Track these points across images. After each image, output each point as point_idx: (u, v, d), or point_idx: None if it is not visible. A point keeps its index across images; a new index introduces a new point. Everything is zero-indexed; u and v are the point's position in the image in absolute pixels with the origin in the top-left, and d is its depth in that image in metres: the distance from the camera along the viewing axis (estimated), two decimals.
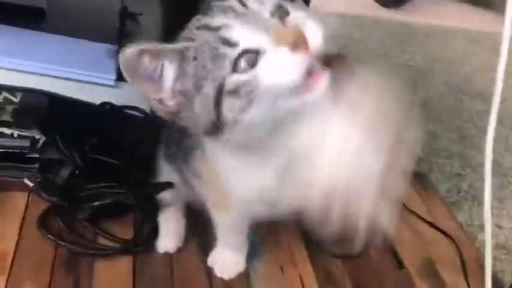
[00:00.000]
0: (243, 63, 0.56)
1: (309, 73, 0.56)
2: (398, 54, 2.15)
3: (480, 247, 1.01)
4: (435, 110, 1.73)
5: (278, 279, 0.85)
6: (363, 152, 0.61)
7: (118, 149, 0.96)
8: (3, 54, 1.01)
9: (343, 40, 2.12)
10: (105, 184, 0.89)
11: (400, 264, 0.91)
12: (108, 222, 0.87)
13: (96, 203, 0.85)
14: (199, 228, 0.87)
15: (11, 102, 0.97)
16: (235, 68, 0.56)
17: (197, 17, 0.61)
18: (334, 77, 0.59)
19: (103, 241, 0.84)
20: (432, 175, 1.38)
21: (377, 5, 2.63)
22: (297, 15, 0.58)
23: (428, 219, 1.02)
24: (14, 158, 0.92)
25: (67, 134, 0.94)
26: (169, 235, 0.85)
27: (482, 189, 1.14)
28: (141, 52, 0.58)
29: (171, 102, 0.60)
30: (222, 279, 0.82)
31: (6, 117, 0.94)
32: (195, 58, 0.58)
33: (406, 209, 1.03)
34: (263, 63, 0.56)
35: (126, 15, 1.19)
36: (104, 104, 1.02)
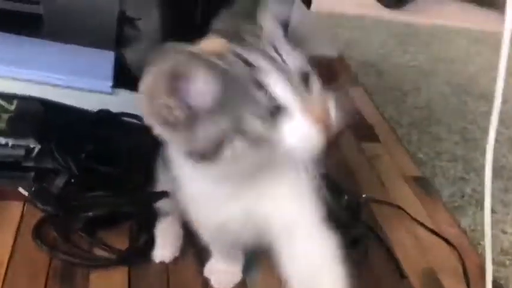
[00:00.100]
0: (265, 112, 0.56)
1: None
2: (400, 55, 2.13)
3: (483, 253, 0.99)
4: (438, 112, 1.71)
5: None
6: None
7: (115, 157, 0.95)
8: None
9: (344, 41, 2.11)
10: (101, 193, 0.88)
11: (401, 272, 0.90)
12: (104, 232, 0.86)
13: (90, 213, 0.83)
14: (196, 238, 0.85)
15: (7, 111, 0.96)
16: (257, 114, 0.56)
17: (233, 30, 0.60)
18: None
19: (99, 251, 0.83)
20: (436, 179, 1.36)
21: (379, 5, 2.61)
22: (315, 85, 0.58)
23: (430, 225, 1.01)
24: (9, 167, 0.91)
25: (63, 142, 0.93)
26: (165, 245, 0.83)
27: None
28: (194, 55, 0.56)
29: (178, 113, 0.57)
30: None
31: (2, 126, 0.93)
32: (225, 84, 0.56)
33: (407, 215, 1.01)
34: (286, 123, 0.56)
35: (124, 20, 1.18)
36: (100, 111, 1.01)
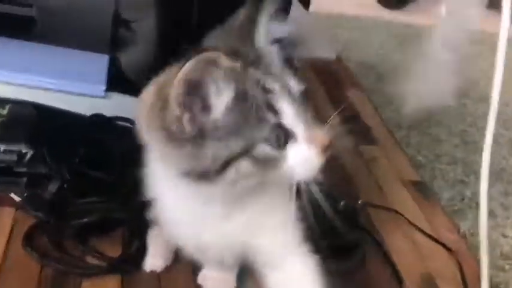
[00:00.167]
0: (274, 136, 0.57)
1: None
2: (399, 56, 2.12)
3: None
4: (438, 114, 1.70)
5: None
6: None
7: (108, 162, 0.94)
8: None
9: (344, 41, 2.10)
10: (94, 199, 0.87)
11: (399, 279, 0.88)
12: (97, 239, 0.85)
13: (82, 220, 0.82)
14: None
15: None
16: (267, 138, 0.57)
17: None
18: None
19: (91, 259, 0.81)
20: (435, 182, 1.35)
21: (379, 5, 2.60)
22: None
23: (428, 230, 0.99)
24: (1, 172, 0.89)
25: (56, 147, 0.91)
26: (157, 253, 0.82)
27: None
28: (217, 61, 0.55)
29: (188, 126, 0.56)
30: None
31: None
32: (240, 103, 0.56)
33: (405, 220, 1.00)
34: (292, 149, 0.58)
35: (119, 22, 1.17)
36: (94, 115, 1.00)
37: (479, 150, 1.46)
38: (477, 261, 0.95)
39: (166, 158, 0.61)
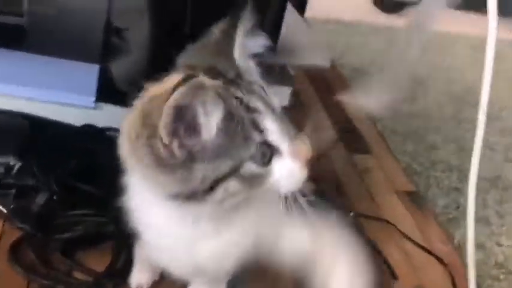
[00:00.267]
0: (259, 154, 0.58)
1: None
2: (397, 62, 2.11)
3: (478, 268, 0.97)
4: (434, 120, 1.70)
5: None
6: None
7: (98, 174, 0.93)
8: None
9: (340, 47, 2.09)
10: (82, 212, 0.86)
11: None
12: (84, 252, 0.84)
13: (69, 234, 0.81)
14: None
15: None
16: (254, 156, 0.57)
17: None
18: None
19: (77, 273, 0.81)
20: (430, 190, 1.34)
21: (376, 10, 2.59)
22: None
23: (421, 241, 0.99)
24: None
25: (45, 158, 0.91)
26: (144, 268, 0.81)
27: (481, 204, 1.10)
28: (203, 88, 0.54)
29: (178, 152, 0.55)
30: None
31: None
32: (226, 123, 0.56)
33: (398, 231, 0.99)
34: (277, 165, 0.59)
35: (110, 31, 1.16)
36: (84, 126, 0.99)
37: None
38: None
39: (154, 182, 0.60)
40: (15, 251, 0.82)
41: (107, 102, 1.03)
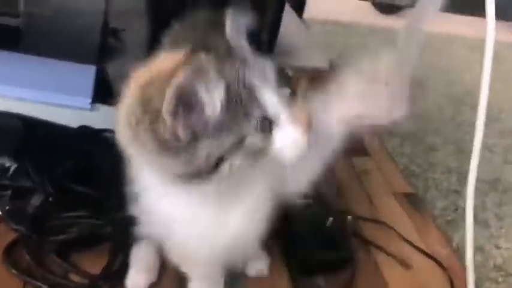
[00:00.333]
0: (260, 127, 0.58)
1: None
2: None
3: (475, 271, 0.96)
4: (433, 122, 1.69)
5: None
6: None
7: (95, 175, 0.92)
8: None
9: (339, 49, 2.09)
10: (78, 213, 0.86)
11: None
12: (80, 254, 0.83)
13: (64, 235, 0.81)
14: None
15: None
16: (255, 130, 0.58)
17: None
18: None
19: (73, 276, 0.80)
20: (428, 192, 1.34)
21: (374, 12, 2.59)
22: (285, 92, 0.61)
23: (420, 244, 0.98)
24: None
25: (41, 159, 0.90)
26: (139, 271, 0.80)
27: (480, 207, 1.10)
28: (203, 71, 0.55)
29: (182, 134, 0.56)
30: None
31: None
32: (227, 100, 0.56)
33: (397, 233, 0.99)
34: (278, 133, 0.59)
35: (107, 32, 1.15)
36: (81, 127, 0.99)
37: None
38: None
39: (158, 166, 0.60)
40: (10, 252, 0.81)
41: (103, 104, 1.02)
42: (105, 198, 0.89)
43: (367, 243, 0.96)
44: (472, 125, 1.71)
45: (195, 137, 0.56)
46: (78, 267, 0.81)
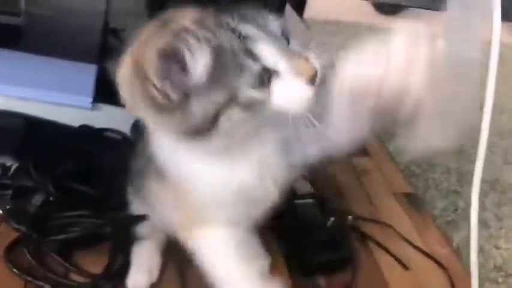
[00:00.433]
0: (258, 78, 0.57)
1: None
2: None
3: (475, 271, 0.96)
4: None
5: None
6: None
7: (96, 175, 0.92)
8: None
9: (339, 49, 2.09)
10: (79, 213, 0.85)
11: None
12: (81, 254, 0.83)
13: (65, 235, 0.80)
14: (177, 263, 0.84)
15: None
16: (250, 82, 0.57)
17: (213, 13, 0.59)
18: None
19: (74, 275, 0.80)
20: (428, 192, 1.34)
21: (375, 12, 2.59)
22: (296, 46, 0.61)
23: (420, 244, 0.98)
24: None
25: (42, 159, 0.90)
26: (140, 271, 0.80)
27: (480, 207, 1.10)
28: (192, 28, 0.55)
29: (172, 95, 0.57)
30: None
31: None
32: (216, 56, 0.57)
33: (396, 234, 0.99)
34: (278, 87, 0.58)
35: (108, 31, 1.15)
36: (82, 127, 0.99)
37: (473, 160, 1.46)
38: (469, 275, 0.94)
39: (161, 126, 0.62)
40: (11, 252, 0.81)
41: (105, 103, 1.02)
42: (106, 198, 0.89)
43: (367, 241, 0.96)
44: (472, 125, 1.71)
45: (186, 96, 0.57)
46: (79, 266, 0.81)
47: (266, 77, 0.58)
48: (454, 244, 1.12)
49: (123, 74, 0.60)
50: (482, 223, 1.24)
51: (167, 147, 0.67)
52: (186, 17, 0.58)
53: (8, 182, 0.89)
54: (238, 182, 0.67)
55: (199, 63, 0.56)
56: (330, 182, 1.08)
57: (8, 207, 0.86)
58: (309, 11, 1.71)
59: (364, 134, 0.64)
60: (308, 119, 0.60)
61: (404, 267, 0.92)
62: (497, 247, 1.21)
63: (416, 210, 1.08)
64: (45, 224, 0.83)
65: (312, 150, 0.67)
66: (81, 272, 0.80)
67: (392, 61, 0.57)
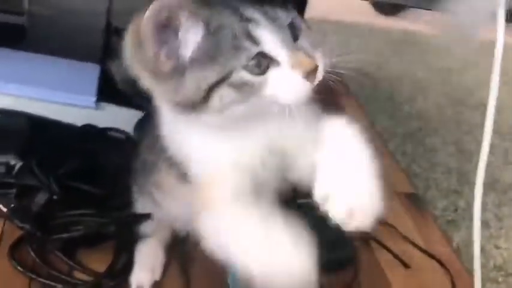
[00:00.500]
0: (254, 63, 0.57)
1: None
2: (396, 64, 2.11)
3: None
4: (433, 122, 1.70)
5: None
6: None
7: (99, 174, 0.93)
8: None
9: (339, 49, 2.09)
10: (82, 212, 0.86)
11: None
12: (85, 253, 0.84)
13: (69, 234, 0.81)
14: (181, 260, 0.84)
15: None
16: (246, 65, 0.57)
17: None
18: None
19: (78, 273, 0.80)
20: (429, 192, 1.35)
21: (375, 12, 2.60)
22: (304, 43, 0.60)
23: (421, 243, 0.99)
24: None
25: (46, 158, 0.91)
26: (144, 269, 0.81)
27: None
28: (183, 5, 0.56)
29: (167, 64, 0.58)
30: None
31: None
32: (214, 34, 0.58)
33: (398, 233, 0.99)
34: (274, 75, 0.58)
35: (111, 31, 1.16)
36: (85, 126, 0.99)
37: (474, 160, 1.46)
38: (470, 275, 0.94)
39: (157, 94, 0.63)
40: (15, 250, 0.82)
41: (108, 102, 1.02)
42: (110, 197, 0.89)
43: (369, 241, 0.96)
44: (472, 125, 1.72)
45: (181, 67, 0.58)
46: (83, 265, 0.81)
47: (264, 63, 0.58)
48: (454, 244, 1.13)
49: (127, 42, 0.61)
50: (483, 223, 1.23)
51: (169, 123, 0.67)
52: None
53: (12, 180, 0.89)
54: (236, 157, 0.66)
55: (192, 35, 0.58)
56: None
57: (12, 205, 0.86)
58: (309, 11, 1.72)
59: None
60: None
61: (406, 266, 0.93)
62: (497, 247, 1.21)
63: (417, 210, 1.09)
64: (49, 223, 0.84)
65: None
66: (85, 270, 0.80)
67: None
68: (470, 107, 1.82)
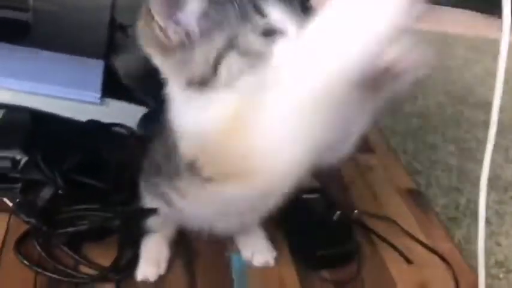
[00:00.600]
0: (261, 32, 0.58)
1: None
2: None
3: (477, 267, 0.97)
4: (434, 121, 1.70)
5: None
6: None
7: (104, 169, 0.93)
8: None
9: None
10: (88, 206, 0.86)
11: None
12: (90, 246, 0.84)
13: (75, 228, 0.81)
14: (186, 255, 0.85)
15: None
16: (254, 33, 0.58)
17: None
18: None
19: (83, 267, 0.81)
20: (430, 189, 1.35)
21: None
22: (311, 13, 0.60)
23: (423, 239, 0.99)
24: None
25: (51, 153, 0.91)
26: (149, 263, 0.81)
27: None
28: None
29: (173, 37, 0.59)
30: None
31: None
32: (221, 6, 0.59)
33: (401, 229, 1.00)
34: (282, 45, 0.58)
35: (115, 27, 1.16)
36: (89, 121, 0.99)
37: (474, 158, 1.47)
38: (472, 271, 0.95)
39: (167, 72, 0.63)
40: (21, 244, 0.82)
41: (112, 98, 1.03)
42: (115, 192, 0.90)
43: (372, 236, 0.97)
44: (472, 123, 1.73)
45: (188, 41, 0.59)
46: (89, 259, 0.82)
47: (270, 33, 0.59)
48: (455, 241, 1.13)
49: (139, 22, 0.62)
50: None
51: (178, 101, 0.67)
52: None
53: (17, 175, 0.89)
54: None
55: (199, 9, 0.59)
56: (335, 178, 1.09)
57: (18, 200, 0.87)
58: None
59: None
60: None
61: (408, 261, 0.93)
62: (498, 244, 1.22)
63: (419, 206, 1.09)
64: (55, 217, 0.84)
65: None
66: (91, 264, 0.81)
67: None
68: (470, 105, 1.83)
